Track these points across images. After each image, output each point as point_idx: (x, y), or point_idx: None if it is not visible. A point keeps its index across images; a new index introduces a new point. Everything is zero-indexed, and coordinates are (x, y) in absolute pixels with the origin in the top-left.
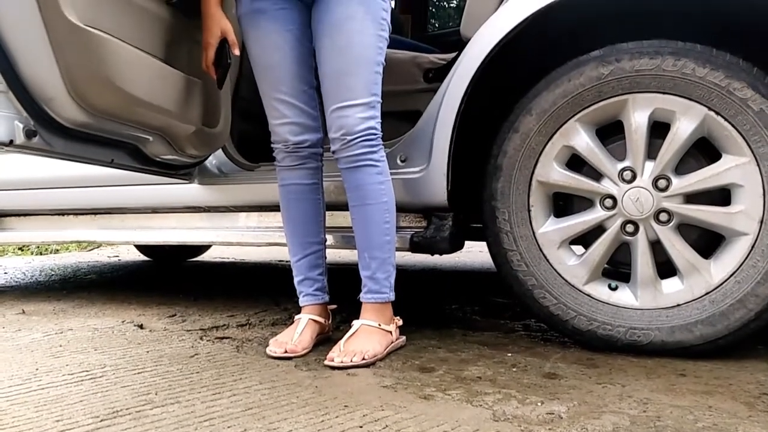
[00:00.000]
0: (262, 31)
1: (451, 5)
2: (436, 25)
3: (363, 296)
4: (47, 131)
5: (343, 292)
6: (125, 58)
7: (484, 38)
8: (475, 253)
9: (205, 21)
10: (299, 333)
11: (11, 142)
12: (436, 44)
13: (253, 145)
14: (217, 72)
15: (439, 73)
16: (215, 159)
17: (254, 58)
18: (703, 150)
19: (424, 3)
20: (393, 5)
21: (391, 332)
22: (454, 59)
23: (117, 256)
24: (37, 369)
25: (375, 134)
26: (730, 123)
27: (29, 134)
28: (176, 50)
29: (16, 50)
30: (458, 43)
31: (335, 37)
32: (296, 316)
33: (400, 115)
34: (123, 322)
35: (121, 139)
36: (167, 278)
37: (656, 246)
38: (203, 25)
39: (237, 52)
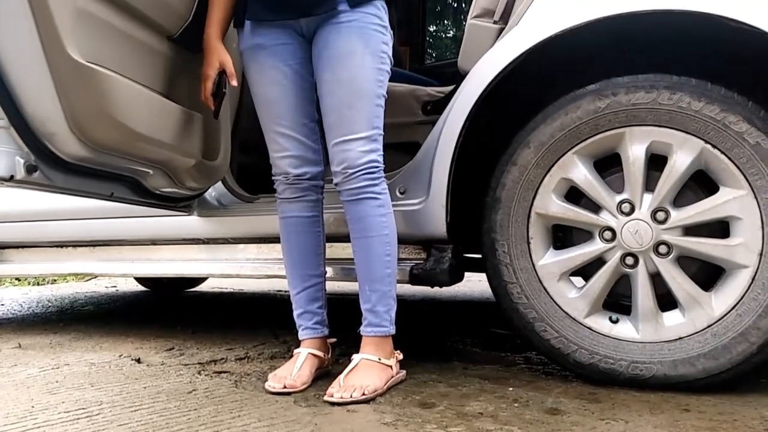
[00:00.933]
0: (263, 66)
1: (448, 35)
2: (434, 56)
3: (363, 329)
4: (48, 166)
5: (342, 323)
6: (127, 94)
7: (481, 72)
8: (474, 282)
9: (205, 53)
10: (298, 368)
11: (11, 177)
12: (434, 76)
13: (252, 176)
14: (214, 103)
15: (437, 106)
16: (215, 191)
17: (255, 93)
18: (700, 182)
19: (422, 35)
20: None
21: (391, 366)
22: (452, 92)
23: (115, 287)
24: (32, 406)
25: (377, 167)
26: (726, 156)
27: (30, 169)
28: (177, 84)
29: (19, 87)
30: (455, 75)
31: (336, 72)
32: (295, 350)
33: (399, 147)
34: (120, 356)
35: (121, 172)
36: (165, 309)
37: (656, 278)
38: (204, 58)
39: (234, 83)
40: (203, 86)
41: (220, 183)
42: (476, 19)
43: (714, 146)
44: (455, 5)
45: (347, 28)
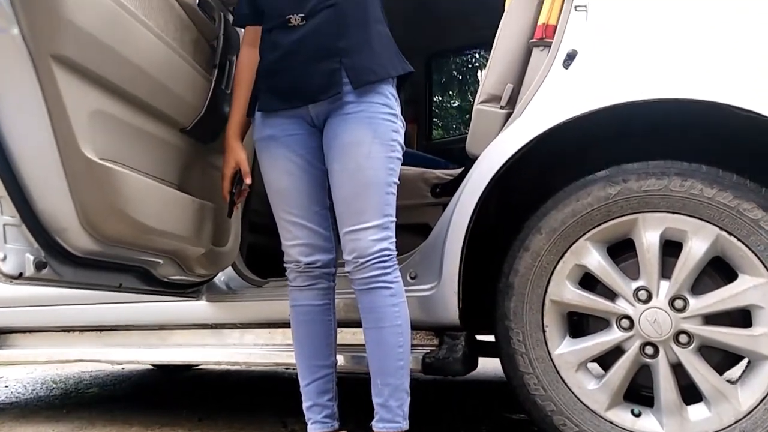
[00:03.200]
0: (275, 156)
1: (453, 105)
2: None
3: (375, 425)
4: (57, 261)
5: (354, 406)
6: (139, 189)
7: (490, 159)
8: (486, 359)
9: (225, 153)
10: None
11: (20, 275)
12: (442, 152)
13: (262, 258)
14: (229, 201)
15: (447, 189)
16: (224, 275)
17: (267, 182)
18: (719, 268)
19: (429, 112)
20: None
21: None
22: (461, 175)
23: (120, 365)
24: None
25: (389, 255)
26: (743, 243)
27: (39, 266)
28: (189, 174)
29: (32, 183)
30: (463, 152)
31: (345, 162)
32: None
33: (408, 228)
34: None
35: (131, 263)
36: (171, 390)
37: (678, 369)
38: (224, 157)
39: (248, 181)
40: (222, 185)
41: (229, 266)
42: (483, 104)
43: (730, 233)
44: (460, 77)
45: (355, 119)
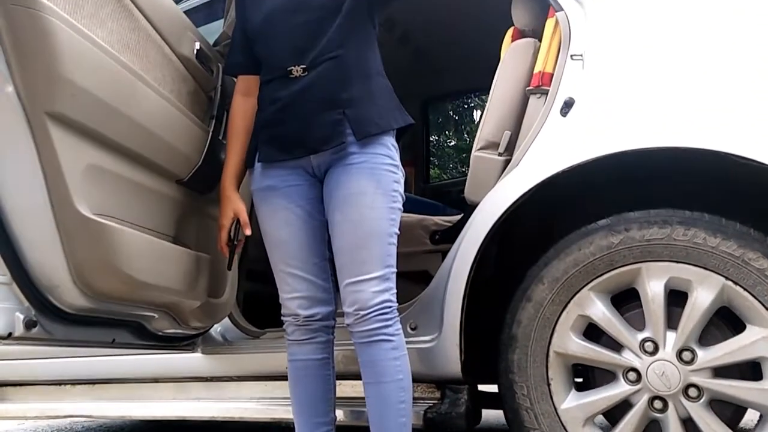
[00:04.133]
0: (274, 207)
1: (450, 144)
2: (437, 164)
3: None
4: (48, 319)
5: None
6: (134, 244)
7: (490, 209)
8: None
9: (221, 202)
10: None
11: (10, 335)
12: (440, 195)
13: (259, 307)
14: (228, 252)
15: (446, 236)
16: (220, 325)
17: (266, 232)
18: (726, 317)
19: (426, 155)
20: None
21: None
22: (460, 221)
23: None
24: None
25: (389, 307)
26: (750, 293)
27: (29, 325)
28: (185, 226)
29: (23, 240)
30: (460, 194)
31: (346, 212)
32: None
33: (407, 276)
34: None
35: (124, 318)
36: None
37: (689, 423)
38: (220, 207)
39: (248, 232)
40: (219, 236)
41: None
42: (481, 151)
43: (736, 283)
44: (456, 117)
45: (357, 169)
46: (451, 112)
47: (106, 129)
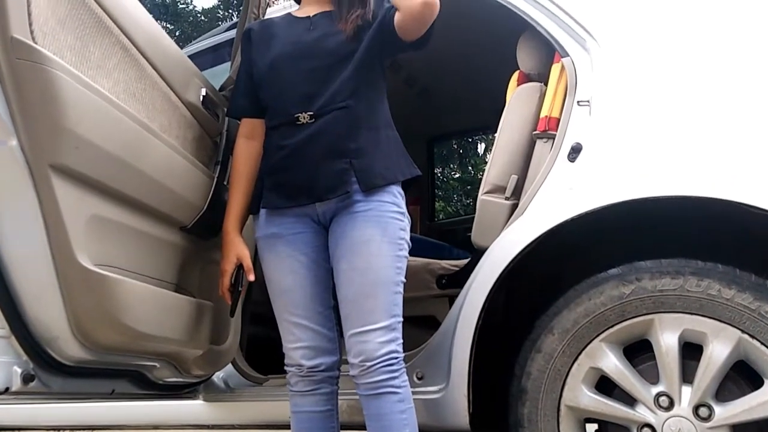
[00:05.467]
0: (279, 255)
1: (455, 176)
2: (441, 195)
3: None
4: (46, 372)
5: None
6: (135, 295)
7: (498, 254)
8: None
9: (223, 247)
10: None
11: (7, 389)
12: (445, 234)
13: (262, 351)
14: (230, 298)
15: (453, 279)
16: (222, 372)
17: (270, 281)
18: (744, 372)
19: (432, 194)
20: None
21: None
22: (467, 265)
23: None
24: None
25: (396, 358)
26: (767, 347)
27: (27, 379)
28: (188, 273)
29: (23, 292)
30: (467, 233)
31: (352, 261)
32: None
33: (414, 321)
34: None
35: (124, 368)
36: None
37: None
38: (222, 251)
39: (251, 277)
40: (220, 281)
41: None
42: (488, 195)
43: (752, 336)
44: (461, 151)
45: (363, 217)
46: (455, 146)
47: (111, 180)
